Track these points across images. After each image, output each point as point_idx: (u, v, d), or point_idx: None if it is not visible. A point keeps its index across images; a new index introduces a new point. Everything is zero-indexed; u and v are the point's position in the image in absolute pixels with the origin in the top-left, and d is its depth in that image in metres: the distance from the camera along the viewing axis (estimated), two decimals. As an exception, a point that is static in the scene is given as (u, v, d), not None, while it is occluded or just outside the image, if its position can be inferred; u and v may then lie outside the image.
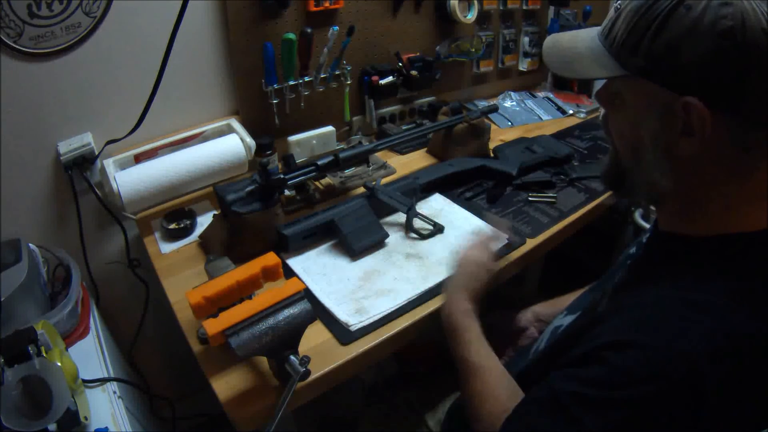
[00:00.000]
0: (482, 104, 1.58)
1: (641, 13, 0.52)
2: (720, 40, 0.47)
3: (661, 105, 0.53)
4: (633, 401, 0.49)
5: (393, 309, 0.83)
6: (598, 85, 1.61)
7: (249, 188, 0.92)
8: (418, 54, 1.38)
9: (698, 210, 0.58)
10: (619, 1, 0.56)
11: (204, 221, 1.03)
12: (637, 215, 1.23)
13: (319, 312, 0.82)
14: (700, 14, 0.48)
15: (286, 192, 1.07)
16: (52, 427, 0.64)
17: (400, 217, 1.03)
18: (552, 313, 0.91)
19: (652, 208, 1.13)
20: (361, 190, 1.09)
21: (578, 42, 0.62)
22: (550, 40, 0.66)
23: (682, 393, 0.48)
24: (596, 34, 0.60)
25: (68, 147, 1.00)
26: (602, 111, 0.65)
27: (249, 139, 1.12)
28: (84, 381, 0.78)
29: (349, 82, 1.26)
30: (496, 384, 0.69)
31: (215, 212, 1.03)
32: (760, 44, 0.46)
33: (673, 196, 0.59)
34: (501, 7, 1.55)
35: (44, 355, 0.68)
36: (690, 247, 0.58)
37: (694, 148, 0.53)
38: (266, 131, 1.19)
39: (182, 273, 0.93)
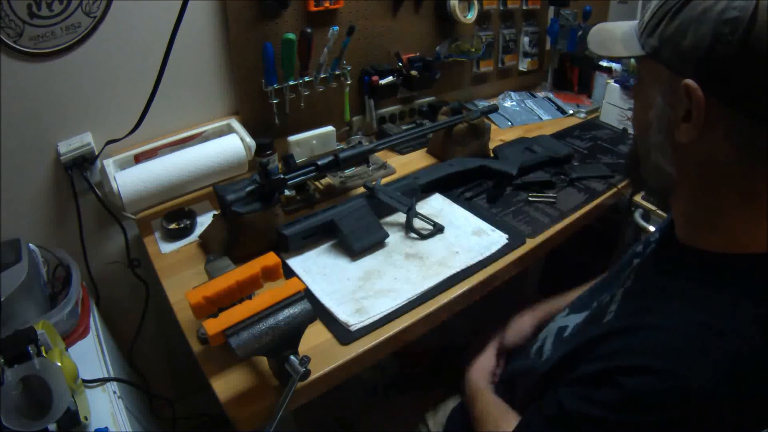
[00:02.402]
0: (482, 104, 1.58)
1: (666, 1, 0.54)
2: (721, 27, 0.48)
3: (667, 87, 0.55)
4: (644, 426, 0.49)
5: (393, 309, 0.82)
6: (598, 85, 1.61)
7: (249, 188, 0.92)
8: (418, 54, 1.38)
9: (712, 222, 0.56)
10: None
11: (204, 221, 1.03)
12: (637, 215, 1.23)
13: (319, 312, 0.82)
14: (714, 2, 0.49)
15: (286, 192, 1.07)
16: (52, 427, 0.64)
17: (400, 217, 1.03)
18: (550, 314, 0.91)
19: (661, 212, 1.12)
20: (361, 190, 1.09)
21: (621, 24, 0.65)
22: (598, 25, 0.70)
23: (698, 420, 0.48)
24: (636, 21, 0.63)
25: (68, 147, 1.00)
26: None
27: (249, 139, 1.12)
28: (84, 381, 0.78)
29: (349, 82, 1.26)
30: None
31: (215, 212, 1.02)
32: (764, 37, 0.46)
33: (680, 190, 0.59)
34: (501, 7, 1.54)
35: (44, 355, 0.68)
36: (707, 264, 0.56)
37: (691, 134, 0.53)
38: (266, 131, 1.19)
39: (182, 273, 0.93)
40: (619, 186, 1.17)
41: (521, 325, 0.95)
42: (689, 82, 0.51)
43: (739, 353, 0.49)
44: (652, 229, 1.13)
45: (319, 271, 0.91)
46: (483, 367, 0.90)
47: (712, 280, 0.54)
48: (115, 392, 0.82)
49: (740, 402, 0.48)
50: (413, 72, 1.34)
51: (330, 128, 1.21)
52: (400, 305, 0.83)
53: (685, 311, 0.53)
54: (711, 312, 0.52)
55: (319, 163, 1.01)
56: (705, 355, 0.49)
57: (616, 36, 0.64)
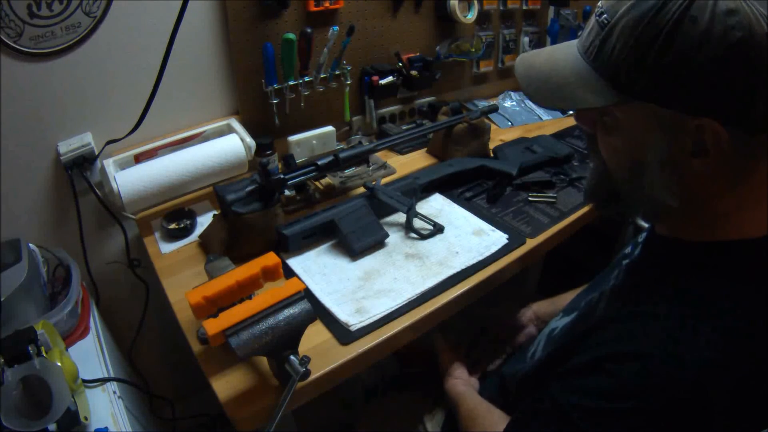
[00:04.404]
0: (482, 104, 1.57)
1: (641, 30, 0.47)
2: (731, 53, 0.44)
3: (668, 126, 0.50)
4: (638, 412, 0.49)
5: (393, 309, 0.82)
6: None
7: (249, 188, 0.92)
8: (418, 54, 1.38)
9: (698, 217, 0.56)
10: (604, 15, 0.50)
11: (204, 221, 1.03)
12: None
13: (319, 312, 0.82)
14: (707, 26, 0.44)
15: (286, 192, 1.07)
16: (52, 427, 0.64)
17: (400, 217, 1.03)
18: (551, 312, 0.91)
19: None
20: (361, 190, 1.09)
21: (558, 64, 0.56)
22: (522, 65, 0.59)
23: (688, 403, 0.48)
24: (577, 52, 0.55)
25: (68, 147, 1.00)
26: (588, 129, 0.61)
27: (249, 139, 1.12)
28: (84, 381, 0.78)
29: (349, 82, 1.26)
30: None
31: (215, 212, 1.03)
32: (765, 49, 0.44)
33: (675, 210, 0.56)
34: (501, 7, 1.54)
35: (44, 355, 0.68)
36: (691, 253, 0.56)
37: (710, 168, 0.50)
38: (266, 131, 1.19)
39: (182, 273, 0.93)
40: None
41: (522, 313, 0.96)
42: (707, 122, 0.47)
43: (727, 337, 0.49)
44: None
45: (319, 271, 0.91)
46: (454, 373, 0.91)
47: (700, 269, 0.55)
48: (115, 392, 0.82)
49: (729, 388, 0.48)
50: (413, 72, 1.34)
51: (330, 128, 1.21)
52: (400, 305, 0.83)
53: (673, 299, 0.53)
54: (695, 297, 0.52)
55: (319, 163, 1.01)
56: (693, 339, 0.49)
57: (567, 80, 0.54)
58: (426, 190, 1.12)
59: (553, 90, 0.55)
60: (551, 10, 1.63)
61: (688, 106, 0.48)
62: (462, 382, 0.88)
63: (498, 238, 0.98)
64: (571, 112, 1.57)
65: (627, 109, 0.52)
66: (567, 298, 0.91)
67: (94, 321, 0.96)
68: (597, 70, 0.52)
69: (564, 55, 0.56)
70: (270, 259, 0.74)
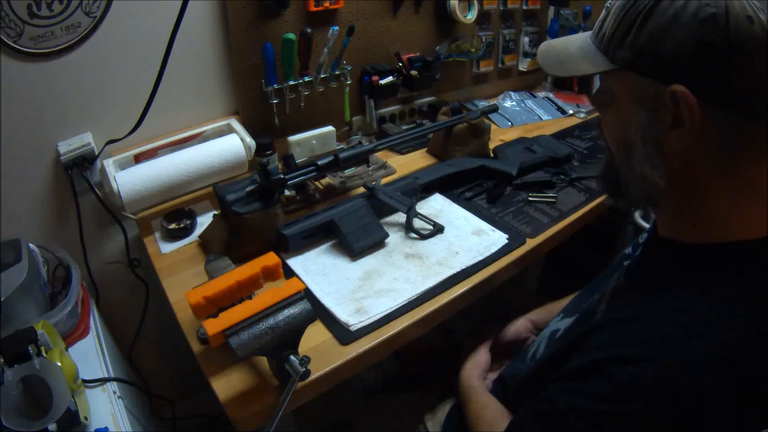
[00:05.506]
0: (482, 104, 1.58)
1: (628, 8, 0.53)
2: (702, 27, 0.47)
3: (649, 97, 0.53)
4: (635, 416, 0.49)
5: (393, 309, 0.82)
6: (598, 85, 1.62)
7: (249, 188, 0.92)
8: (418, 54, 1.38)
9: (695, 214, 0.56)
10: (608, 1, 0.58)
11: (204, 221, 1.03)
12: (637, 215, 1.23)
13: (319, 312, 0.82)
14: (683, 4, 0.48)
15: (286, 192, 1.07)
16: (52, 427, 0.64)
17: (400, 217, 1.03)
18: (547, 320, 0.91)
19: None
20: (361, 190, 1.09)
21: (569, 43, 0.64)
22: (544, 45, 0.68)
23: (686, 407, 0.48)
24: (588, 35, 0.62)
25: (68, 147, 1.00)
26: (598, 114, 0.67)
27: (249, 139, 1.12)
28: (84, 381, 0.78)
29: (349, 82, 1.26)
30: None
31: (215, 212, 1.03)
32: (745, 31, 0.46)
33: (668, 196, 0.57)
34: (501, 7, 1.55)
35: (44, 355, 0.68)
36: (690, 255, 0.57)
37: (685, 140, 0.52)
38: (266, 131, 1.19)
39: (182, 273, 0.93)
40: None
41: (518, 325, 0.96)
42: (678, 88, 0.49)
43: (726, 340, 0.49)
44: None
45: (319, 271, 0.91)
46: (475, 364, 0.90)
47: (700, 271, 0.55)
48: (115, 392, 0.82)
49: (727, 390, 0.48)
50: (413, 72, 1.35)
51: (330, 128, 1.21)
52: (400, 305, 0.83)
53: (671, 301, 0.53)
54: (693, 300, 0.52)
55: (319, 163, 1.01)
56: (690, 341, 0.49)
57: (572, 54, 0.62)
58: (426, 190, 1.12)
59: (561, 61, 0.63)
60: (551, 10, 1.63)
61: (661, 74, 0.51)
62: (477, 375, 0.87)
63: (498, 238, 0.98)
64: (571, 111, 1.58)
65: (617, 82, 0.57)
66: (562, 304, 0.91)
67: (94, 321, 0.96)
68: (597, 46, 0.58)
69: (576, 37, 0.64)
70: (270, 259, 0.74)
